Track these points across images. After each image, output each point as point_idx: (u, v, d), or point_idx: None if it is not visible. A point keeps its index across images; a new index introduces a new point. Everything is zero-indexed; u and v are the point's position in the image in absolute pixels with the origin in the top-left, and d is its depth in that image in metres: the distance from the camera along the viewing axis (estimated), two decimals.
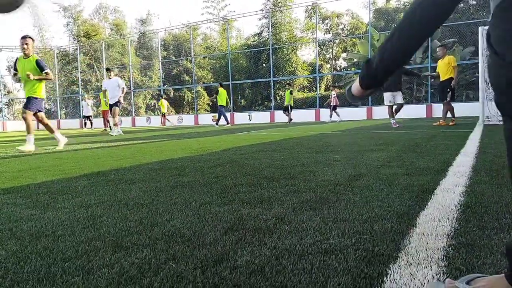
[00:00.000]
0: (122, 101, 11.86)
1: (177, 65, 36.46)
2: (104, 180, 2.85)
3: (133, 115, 29.84)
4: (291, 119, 18.99)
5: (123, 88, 11.67)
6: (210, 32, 38.76)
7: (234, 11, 35.43)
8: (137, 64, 35.12)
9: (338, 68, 37.43)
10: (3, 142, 9.92)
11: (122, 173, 3.19)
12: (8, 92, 35.42)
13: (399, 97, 9.78)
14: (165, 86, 33.59)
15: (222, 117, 17.05)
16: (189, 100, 36.14)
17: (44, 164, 4.13)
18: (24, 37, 6.07)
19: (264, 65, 31.52)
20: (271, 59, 25.43)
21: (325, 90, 33.48)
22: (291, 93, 18.70)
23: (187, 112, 35.14)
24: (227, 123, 17.28)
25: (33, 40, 6.21)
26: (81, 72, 32.93)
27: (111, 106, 11.92)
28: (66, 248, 1.38)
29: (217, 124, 17.28)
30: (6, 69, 35.56)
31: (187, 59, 34.71)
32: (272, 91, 25.74)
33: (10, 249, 1.40)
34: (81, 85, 32.73)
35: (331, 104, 18.28)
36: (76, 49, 33.58)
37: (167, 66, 35.96)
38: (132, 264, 1.21)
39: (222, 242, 1.39)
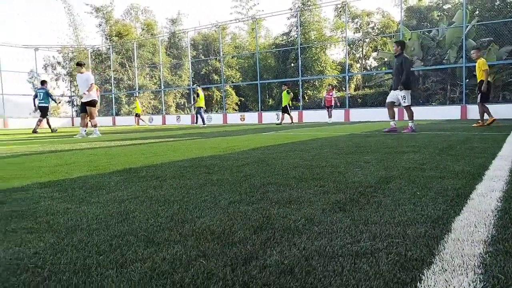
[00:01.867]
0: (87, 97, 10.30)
1: (206, 64, 36.89)
2: (136, 176, 2.92)
3: (164, 113, 30.42)
4: (281, 121, 18.56)
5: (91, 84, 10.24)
6: (238, 32, 39.00)
7: (262, 11, 35.48)
8: (167, 63, 35.78)
9: (368, 68, 36.80)
10: (43, 138, 10.34)
11: (153, 170, 3.26)
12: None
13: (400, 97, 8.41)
14: (194, 85, 34.05)
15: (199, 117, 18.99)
16: (218, 99, 36.50)
17: (79, 160, 4.27)
18: None
19: (292, 64, 31.39)
20: (299, 58, 25.30)
21: (355, 90, 33.01)
22: (288, 93, 18.14)
23: (216, 111, 35.50)
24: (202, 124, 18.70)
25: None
26: (114, 71, 33.86)
27: (84, 104, 10.42)
28: (101, 242, 1.42)
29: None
30: (42, 67, 37.01)
31: (216, 58, 35.06)
32: (301, 90, 25.60)
33: (47, 241, 1.45)
34: (114, 83, 33.63)
35: (331, 104, 18.20)
36: (109, 48, 34.55)
37: (196, 65, 36.45)
38: (163, 260, 1.23)
39: (251, 241, 1.40)
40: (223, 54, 31.37)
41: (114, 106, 32.97)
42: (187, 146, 5.99)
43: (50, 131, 15.12)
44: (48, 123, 15.30)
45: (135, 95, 30.54)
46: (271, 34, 37.72)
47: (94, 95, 10.44)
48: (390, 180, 2.48)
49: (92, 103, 10.37)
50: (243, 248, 1.32)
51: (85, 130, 10.30)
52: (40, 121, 14.77)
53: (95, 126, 10.63)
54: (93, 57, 36.16)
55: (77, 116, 32.51)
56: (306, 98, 30.86)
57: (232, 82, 35.17)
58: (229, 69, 36.21)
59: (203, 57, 37.14)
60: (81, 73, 10.36)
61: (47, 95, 15.01)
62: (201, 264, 1.19)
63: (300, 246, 1.33)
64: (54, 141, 8.56)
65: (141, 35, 37.83)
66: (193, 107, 20.52)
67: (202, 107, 18.67)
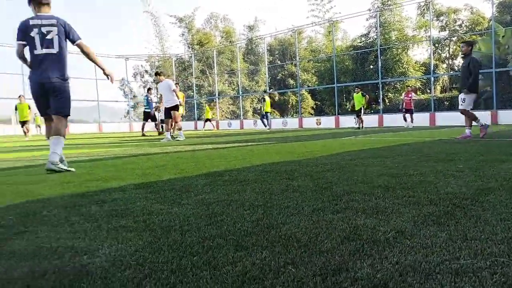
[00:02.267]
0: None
1: (282, 69, 37.16)
2: (220, 180, 3.03)
3: (241, 118, 31.25)
4: (361, 125, 17.66)
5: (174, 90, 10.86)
6: (315, 35, 38.67)
7: (340, 13, 34.67)
8: (245, 69, 36.73)
9: (456, 68, 34.17)
10: (134, 141, 11.22)
11: (235, 174, 3.36)
12: (134, 96, 39.90)
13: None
14: (271, 90, 34.50)
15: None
16: (293, 103, 36.55)
17: (167, 163, 4.56)
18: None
19: (371, 66, 30.30)
20: (379, 60, 24.34)
21: (441, 92, 30.89)
22: (363, 96, 17.28)
23: (291, 115, 35.56)
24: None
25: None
26: (195, 78, 35.63)
27: (168, 110, 11.04)
28: (193, 243, 1.50)
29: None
30: (132, 76, 40.20)
31: (292, 63, 35.16)
32: (381, 93, 24.62)
33: (146, 240, 1.57)
34: (195, 89, 35.36)
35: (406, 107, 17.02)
36: (191, 56, 36.45)
37: (273, 71, 36.90)
38: (253, 264, 1.26)
39: (339, 251, 1.37)
40: (299, 58, 31.37)
41: (196, 112, 34.64)
42: (265, 150, 6.07)
43: (158, 133, 16.05)
44: (142, 127, 16.56)
45: (213, 100, 31.78)
46: (349, 36, 36.84)
47: (177, 100, 11.02)
48: (488, 192, 2.27)
49: (176, 108, 10.93)
50: (331, 258, 1.30)
51: (170, 134, 10.97)
52: (144, 124, 16.30)
53: (179, 129, 11.32)
54: (177, 65, 38.41)
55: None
56: (387, 101, 29.57)
57: (308, 86, 34.96)
58: (305, 73, 36.06)
59: (279, 62, 37.49)
60: (161, 81, 11.07)
61: (148, 102, 16.39)
62: (291, 271, 1.20)
63: (392, 260, 1.27)
64: (144, 144, 9.24)
65: (220, 42, 39.34)
66: (261, 112, 21.58)
67: (268, 112, 20.44)
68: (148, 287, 1.12)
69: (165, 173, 3.60)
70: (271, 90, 34.11)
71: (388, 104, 29.14)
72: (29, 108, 16.25)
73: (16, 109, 16.31)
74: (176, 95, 10.98)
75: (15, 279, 1.21)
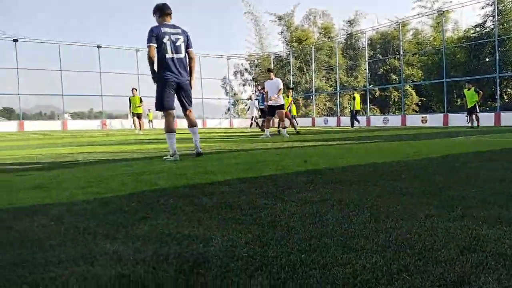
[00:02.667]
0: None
1: (384, 63, 35.39)
2: (321, 179, 3.01)
3: (338, 115, 30.61)
4: (476, 124, 15.75)
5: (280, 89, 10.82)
6: (421, 27, 36.00)
7: (450, 1, 31.61)
8: (344, 65, 35.82)
9: None
10: (234, 137, 11.74)
11: (337, 173, 3.31)
12: (234, 94, 41.65)
13: None
14: (371, 86, 33.12)
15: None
16: (396, 100, 34.62)
17: (267, 159, 4.68)
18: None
19: (487, 59, 27.21)
20: (496, 52, 21.75)
21: None
22: (476, 92, 15.52)
23: (393, 113, 33.75)
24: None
25: None
26: (292, 75, 35.84)
27: (273, 108, 11.01)
28: (300, 240, 1.51)
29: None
30: (233, 74, 41.96)
31: (395, 57, 33.26)
32: (498, 89, 22.00)
33: (254, 233, 1.63)
34: (293, 86, 35.59)
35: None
36: (289, 54, 36.72)
37: (373, 66, 35.35)
38: (364, 268, 1.23)
39: (459, 262, 1.26)
40: (403, 52, 29.53)
41: (289, 108, 34.85)
42: (366, 149, 5.86)
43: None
44: (262, 123, 17.12)
45: (309, 97, 31.62)
46: (461, 27, 33.55)
47: (282, 100, 11.07)
48: None
49: (281, 107, 11.00)
50: (450, 269, 1.21)
51: (268, 132, 11.11)
52: (263, 121, 17.01)
53: (284, 128, 11.59)
54: (275, 62, 39.04)
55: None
56: (505, 98, 26.34)
57: (412, 81, 32.75)
58: (409, 67, 33.86)
59: (380, 56, 35.77)
60: (271, 79, 11.02)
61: (263, 99, 17.04)
62: (406, 279, 1.14)
63: None
64: (244, 140, 9.60)
65: (318, 39, 38.94)
66: (350, 109, 21.14)
67: (359, 110, 20.74)
68: (260, 279, 1.16)
69: (266, 168, 3.70)
70: (371, 86, 32.77)
71: (506, 101, 25.94)
72: (141, 101, 16.91)
73: (130, 101, 16.90)
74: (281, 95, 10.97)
75: (142, 260, 1.35)
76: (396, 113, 31.54)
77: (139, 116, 17.07)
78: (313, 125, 27.09)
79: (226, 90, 40.23)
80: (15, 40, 28.11)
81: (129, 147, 7.40)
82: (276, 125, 11.42)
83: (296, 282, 1.15)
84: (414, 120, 24.59)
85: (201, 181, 3.03)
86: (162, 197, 2.44)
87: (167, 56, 4.69)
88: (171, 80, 4.74)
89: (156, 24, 4.79)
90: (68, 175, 3.54)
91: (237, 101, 42.15)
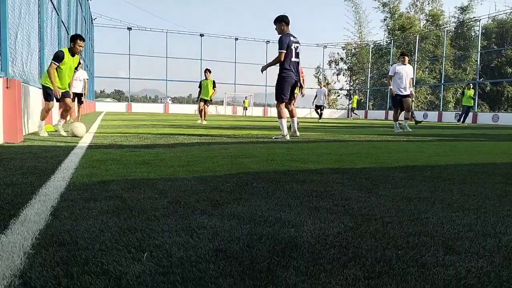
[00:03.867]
0: None
1: (499, 55, 31.67)
2: (420, 175, 2.83)
3: (440, 109, 28.30)
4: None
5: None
6: None
7: None
8: (451, 55, 32.86)
9: None
10: (325, 127, 11.59)
11: (438, 170, 3.08)
12: (327, 83, 40.89)
13: None
14: (481, 80, 29.90)
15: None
16: (509, 95, 30.86)
17: (360, 151, 4.53)
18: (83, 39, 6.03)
19: None
20: None
21: None
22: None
23: (505, 110, 30.18)
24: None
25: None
26: (391, 65, 33.97)
27: (402, 97, 9.40)
28: (396, 236, 1.45)
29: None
30: (327, 63, 41.17)
31: None
32: None
33: (347, 224, 1.60)
34: None
35: None
36: (390, 42, 34.76)
37: (486, 57, 31.83)
38: (468, 272, 1.13)
39: None
40: None
41: (388, 101, 33.17)
42: (474, 148, 5.34)
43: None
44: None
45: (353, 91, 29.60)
46: None
47: (410, 88, 9.58)
48: None
49: (409, 96, 9.52)
50: None
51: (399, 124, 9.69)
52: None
53: (406, 119, 10.12)
54: (373, 52, 37.33)
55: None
56: None
57: None
58: None
59: (495, 47, 32.05)
60: (404, 64, 9.42)
61: None
62: None
63: None
64: (335, 131, 9.41)
65: (424, 27, 36.20)
66: (463, 104, 19.08)
67: (471, 106, 19.04)
68: (354, 270, 1.14)
69: (359, 161, 3.59)
70: (481, 80, 29.60)
71: None
72: (214, 85, 13.10)
73: (200, 86, 13.25)
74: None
75: (237, 238, 1.41)
76: (509, 111, 28.12)
77: (206, 103, 13.27)
78: (351, 117, 25.38)
79: (319, 80, 39.66)
80: (129, 29, 31.05)
81: (224, 131, 7.74)
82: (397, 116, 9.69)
83: (392, 277, 1.10)
84: None
85: (292, 168, 3.05)
86: (255, 180, 2.52)
87: (292, 59, 5.98)
88: (291, 78, 6.04)
89: (280, 31, 6.04)
90: (170, 154, 3.83)
91: (330, 91, 41.32)
